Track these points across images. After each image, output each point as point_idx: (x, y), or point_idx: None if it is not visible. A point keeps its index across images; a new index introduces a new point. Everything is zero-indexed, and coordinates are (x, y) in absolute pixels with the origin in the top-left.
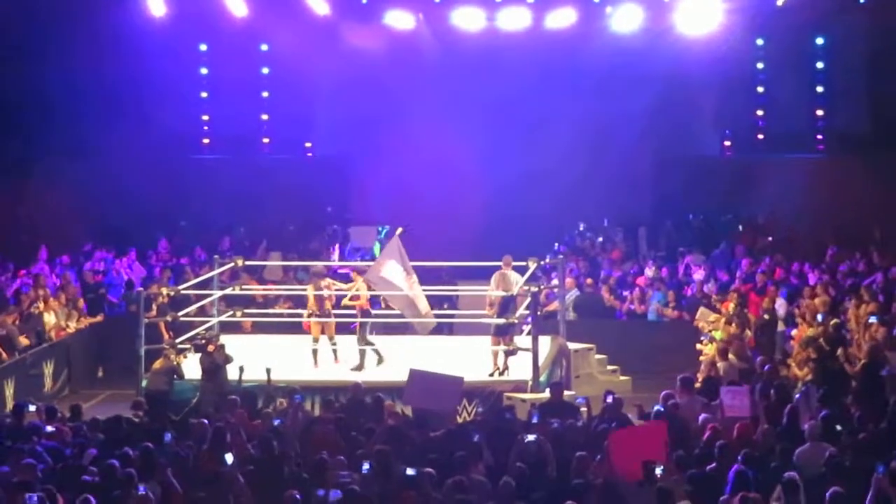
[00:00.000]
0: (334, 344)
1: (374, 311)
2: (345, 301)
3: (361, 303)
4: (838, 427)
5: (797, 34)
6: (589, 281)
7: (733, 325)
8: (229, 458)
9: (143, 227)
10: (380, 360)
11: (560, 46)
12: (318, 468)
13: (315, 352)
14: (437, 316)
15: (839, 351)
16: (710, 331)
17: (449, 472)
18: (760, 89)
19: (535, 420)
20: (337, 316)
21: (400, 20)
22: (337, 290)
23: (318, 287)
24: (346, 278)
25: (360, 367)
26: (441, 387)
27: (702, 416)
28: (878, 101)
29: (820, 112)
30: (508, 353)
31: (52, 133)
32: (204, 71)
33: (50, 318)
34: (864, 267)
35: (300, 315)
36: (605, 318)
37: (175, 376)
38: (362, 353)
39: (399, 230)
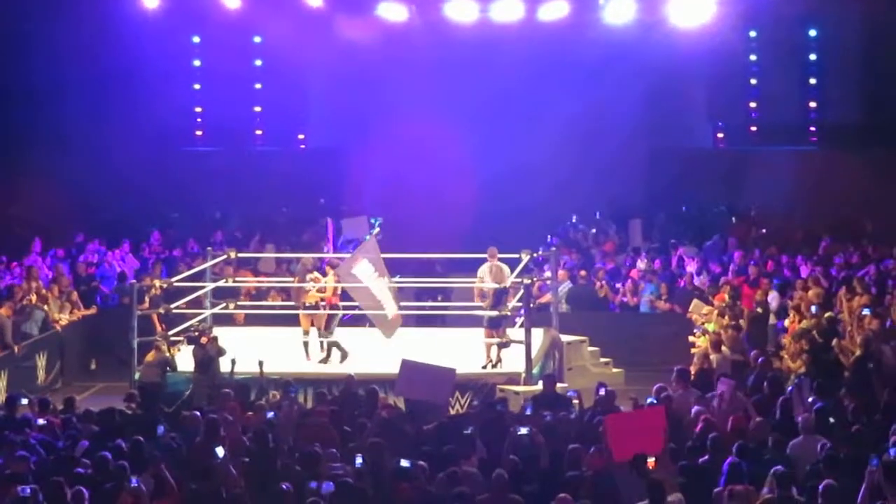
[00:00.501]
0: (322, 336)
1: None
2: (312, 294)
3: (328, 296)
4: (832, 419)
5: (790, 26)
6: (583, 273)
7: (726, 317)
8: (220, 451)
9: (136, 219)
10: (343, 356)
11: (553, 38)
12: (310, 460)
13: (306, 344)
14: (430, 308)
15: (833, 343)
16: (702, 323)
17: (442, 465)
18: (753, 81)
19: (528, 412)
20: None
21: (393, 12)
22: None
23: (302, 280)
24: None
25: (326, 360)
26: (433, 378)
27: (694, 409)
28: (870, 94)
29: (813, 104)
30: (501, 346)
31: (44, 125)
32: (197, 63)
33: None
34: (857, 259)
35: (291, 307)
36: (598, 311)
37: (168, 368)
38: (328, 347)
39: (376, 230)
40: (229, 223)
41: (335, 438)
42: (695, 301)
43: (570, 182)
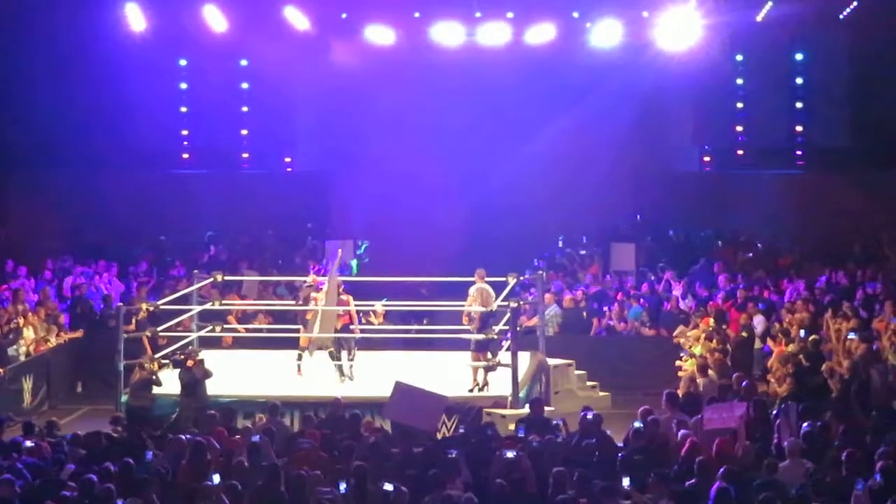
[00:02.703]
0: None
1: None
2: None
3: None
4: (818, 443)
5: (777, 50)
6: (569, 297)
7: (714, 341)
8: (216, 478)
9: (122, 241)
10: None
11: (540, 62)
12: (298, 484)
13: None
14: (416, 332)
15: (822, 367)
16: (689, 346)
17: (427, 489)
18: (740, 105)
19: (521, 434)
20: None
21: (380, 35)
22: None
23: (306, 301)
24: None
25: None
26: (424, 404)
27: (681, 432)
28: (857, 117)
29: (799, 127)
30: (488, 369)
31: (30, 147)
32: (184, 86)
33: (29, 334)
34: (846, 282)
35: (277, 330)
36: (587, 334)
37: (154, 386)
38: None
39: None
40: (216, 246)
41: (325, 462)
42: (680, 326)
43: (557, 205)
